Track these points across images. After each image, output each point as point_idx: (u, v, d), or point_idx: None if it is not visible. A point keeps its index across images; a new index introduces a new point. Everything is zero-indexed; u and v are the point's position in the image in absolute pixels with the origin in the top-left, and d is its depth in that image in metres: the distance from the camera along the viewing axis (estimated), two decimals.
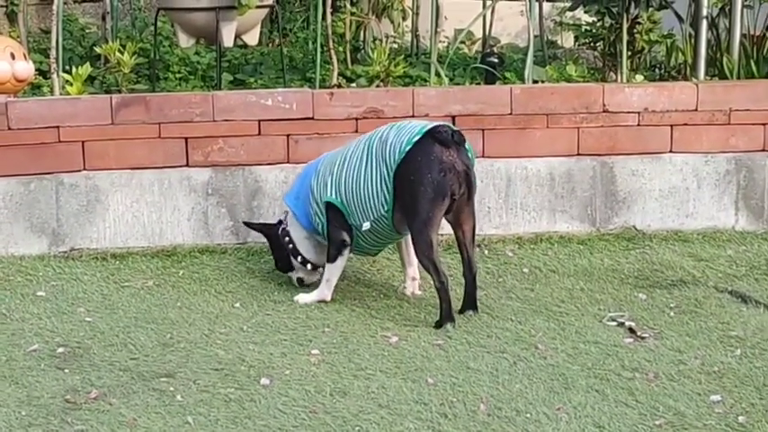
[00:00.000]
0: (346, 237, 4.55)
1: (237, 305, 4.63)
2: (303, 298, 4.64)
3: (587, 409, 3.59)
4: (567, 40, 8.68)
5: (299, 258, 4.74)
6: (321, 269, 4.72)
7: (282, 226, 4.79)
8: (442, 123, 4.47)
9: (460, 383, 3.81)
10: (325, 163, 4.64)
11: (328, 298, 4.62)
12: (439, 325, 4.35)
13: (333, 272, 4.61)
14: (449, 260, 4.84)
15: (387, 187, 4.38)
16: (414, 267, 4.70)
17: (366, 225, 4.47)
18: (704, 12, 6.11)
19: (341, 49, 6.66)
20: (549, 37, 8.33)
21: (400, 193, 4.37)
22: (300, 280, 4.81)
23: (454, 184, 4.31)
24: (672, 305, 4.61)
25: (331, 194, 4.52)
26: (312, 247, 4.72)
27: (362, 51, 7.06)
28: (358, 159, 4.48)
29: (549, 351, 4.10)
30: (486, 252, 5.28)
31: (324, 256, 4.66)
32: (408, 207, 4.36)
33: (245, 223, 5.02)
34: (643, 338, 4.23)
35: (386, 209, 4.40)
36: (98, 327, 4.38)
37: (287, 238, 4.76)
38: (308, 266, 4.75)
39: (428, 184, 4.29)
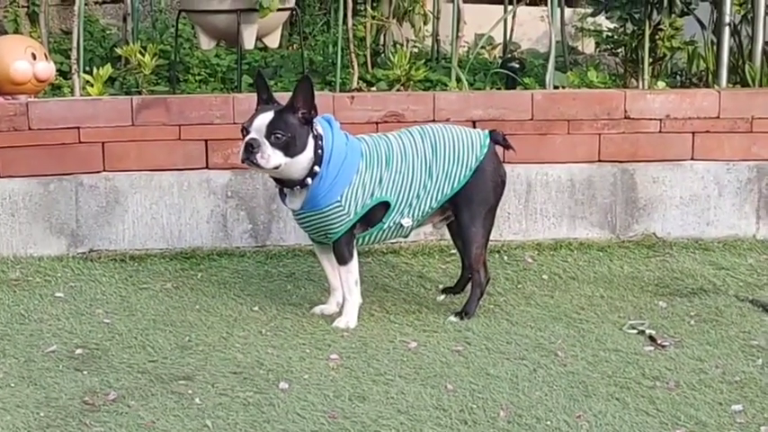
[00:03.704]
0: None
1: (256, 308, 4.62)
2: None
3: (608, 417, 3.57)
4: (588, 46, 8.65)
5: None
6: None
7: None
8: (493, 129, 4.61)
9: (480, 390, 3.79)
10: (371, 160, 4.43)
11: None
12: (460, 315, 4.47)
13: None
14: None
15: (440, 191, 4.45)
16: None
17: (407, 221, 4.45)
18: (726, 19, 6.07)
19: (361, 52, 6.64)
20: (570, 43, 8.30)
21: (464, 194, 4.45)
22: None
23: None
24: (692, 313, 4.58)
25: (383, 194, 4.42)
26: None
27: (383, 55, 7.04)
28: (411, 161, 4.44)
29: (568, 358, 4.09)
30: (506, 258, 5.26)
31: None
32: (477, 205, 4.47)
33: None
34: (663, 347, 4.21)
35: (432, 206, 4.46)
36: (116, 328, 4.38)
37: None
38: None
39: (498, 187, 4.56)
